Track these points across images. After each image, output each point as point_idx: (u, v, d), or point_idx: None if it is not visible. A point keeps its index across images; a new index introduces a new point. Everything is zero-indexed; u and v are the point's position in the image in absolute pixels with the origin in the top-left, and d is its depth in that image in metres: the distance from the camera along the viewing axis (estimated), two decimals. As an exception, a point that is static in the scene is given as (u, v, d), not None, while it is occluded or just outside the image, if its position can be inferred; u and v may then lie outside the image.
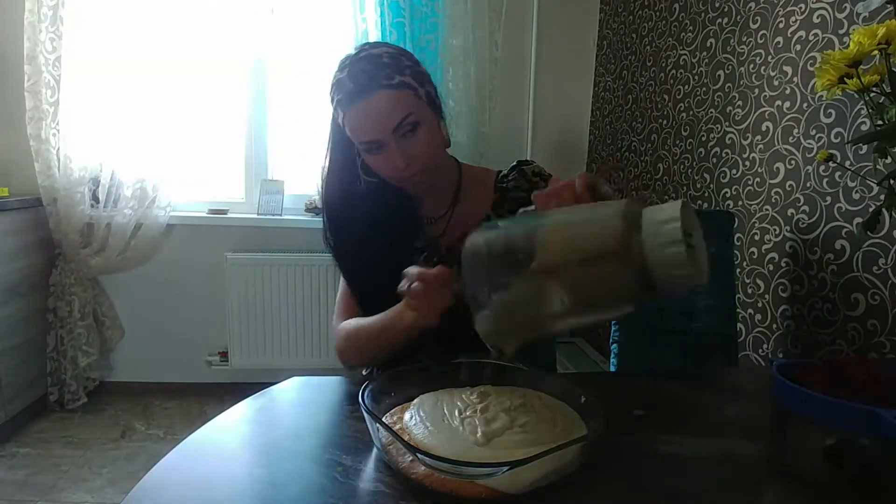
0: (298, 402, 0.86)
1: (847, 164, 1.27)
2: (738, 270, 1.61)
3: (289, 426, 0.76)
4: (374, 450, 0.65)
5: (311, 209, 2.53)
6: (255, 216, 2.50)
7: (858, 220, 1.25)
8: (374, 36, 2.26)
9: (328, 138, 1.02)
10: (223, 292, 2.43)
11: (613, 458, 0.67)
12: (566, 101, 2.63)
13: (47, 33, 2.13)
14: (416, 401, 0.71)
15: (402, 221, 1.04)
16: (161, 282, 2.49)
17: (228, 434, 0.73)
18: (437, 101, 0.99)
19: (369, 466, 0.63)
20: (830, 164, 1.26)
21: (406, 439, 0.58)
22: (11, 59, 2.20)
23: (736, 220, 1.63)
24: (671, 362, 1.42)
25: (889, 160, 0.79)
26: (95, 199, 2.31)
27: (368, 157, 0.95)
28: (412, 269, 0.78)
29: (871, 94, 0.82)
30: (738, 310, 1.60)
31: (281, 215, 2.52)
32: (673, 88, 1.98)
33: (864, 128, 1.23)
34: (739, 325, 1.60)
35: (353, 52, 0.94)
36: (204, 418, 2.28)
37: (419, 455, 0.55)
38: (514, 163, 1.09)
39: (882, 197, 0.99)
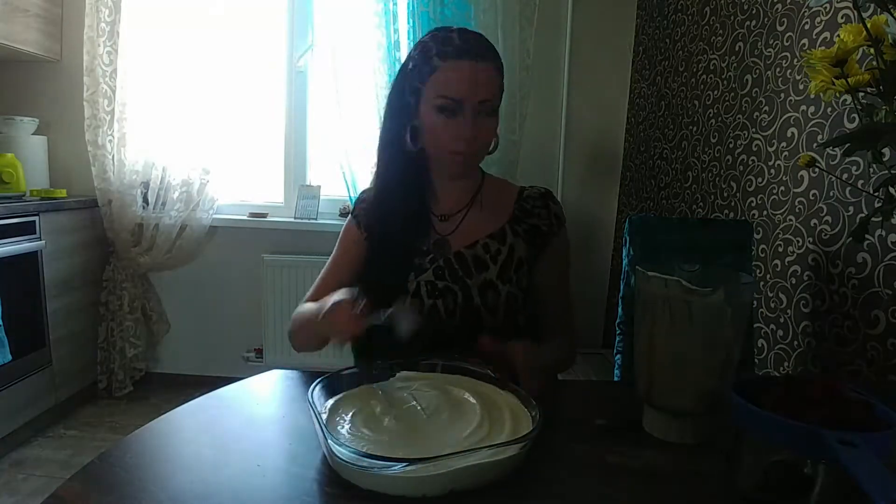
0: (269, 392, 0.89)
1: (870, 170, 1.20)
2: (761, 284, 1.54)
3: (249, 415, 0.80)
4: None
5: (344, 214, 2.60)
6: (291, 220, 2.60)
7: (881, 232, 1.18)
8: (405, 46, 2.31)
9: (385, 110, 1.05)
10: (260, 292, 2.53)
11: (555, 465, 0.67)
12: (601, 109, 2.58)
13: (104, 47, 2.30)
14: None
15: (417, 206, 1.05)
16: (204, 280, 2.62)
17: (193, 418, 0.77)
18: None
19: (310, 455, 0.65)
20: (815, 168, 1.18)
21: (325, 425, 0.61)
22: (73, 71, 2.39)
23: (760, 230, 1.56)
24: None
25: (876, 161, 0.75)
26: (146, 201, 2.47)
27: (438, 116, 0.95)
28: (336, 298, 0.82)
29: (861, 94, 0.78)
30: (759, 325, 1.53)
31: (316, 219, 2.60)
32: (703, 94, 1.92)
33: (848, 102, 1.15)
34: (761, 340, 1.53)
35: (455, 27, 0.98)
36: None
37: (329, 441, 0.57)
38: (543, 190, 1.10)
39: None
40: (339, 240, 1.13)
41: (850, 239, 1.22)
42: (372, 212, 1.08)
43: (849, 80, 0.77)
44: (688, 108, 2.02)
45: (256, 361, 2.59)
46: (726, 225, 1.46)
